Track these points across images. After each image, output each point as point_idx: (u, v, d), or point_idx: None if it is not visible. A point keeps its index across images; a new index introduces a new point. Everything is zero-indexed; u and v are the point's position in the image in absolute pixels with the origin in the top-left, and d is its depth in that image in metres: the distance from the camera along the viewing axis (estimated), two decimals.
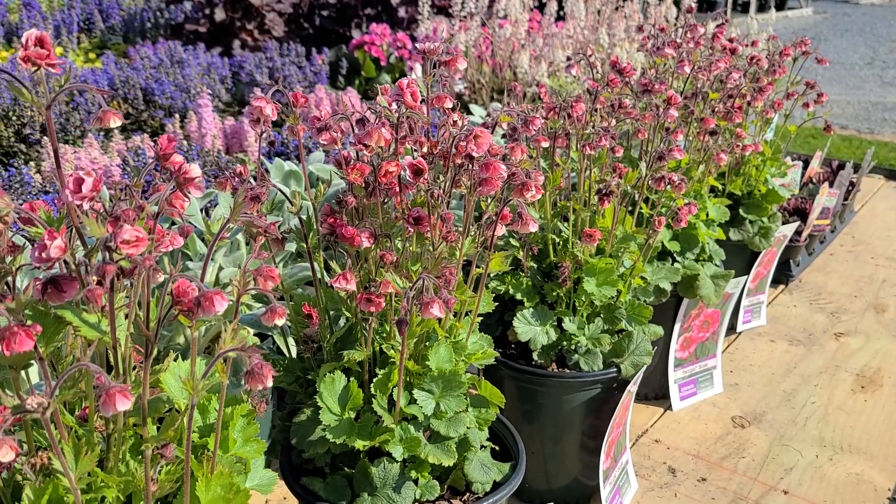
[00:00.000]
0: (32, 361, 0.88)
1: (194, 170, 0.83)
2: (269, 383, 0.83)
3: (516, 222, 1.26)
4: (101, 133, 3.05)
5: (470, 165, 1.19)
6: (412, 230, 1.19)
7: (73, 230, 0.86)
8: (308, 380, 1.37)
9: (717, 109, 2.04)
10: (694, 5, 2.26)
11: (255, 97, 1.21)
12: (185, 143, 2.87)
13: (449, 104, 1.27)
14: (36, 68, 0.79)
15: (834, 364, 2.58)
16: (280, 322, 0.88)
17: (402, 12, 5.57)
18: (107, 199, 1.47)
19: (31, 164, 2.52)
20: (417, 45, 1.32)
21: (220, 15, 5.36)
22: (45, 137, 2.79)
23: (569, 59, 2.08)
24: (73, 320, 0.81)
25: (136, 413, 0.90)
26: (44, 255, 0.76)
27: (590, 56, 2.00)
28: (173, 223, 1.84)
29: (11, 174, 2.17)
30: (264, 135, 1.33)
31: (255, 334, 1.86)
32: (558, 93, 2.01)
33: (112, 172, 2.49)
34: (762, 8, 12.67)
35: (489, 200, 1.39)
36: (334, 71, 4.64)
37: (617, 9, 4.21)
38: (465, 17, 4.02)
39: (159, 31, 5.83)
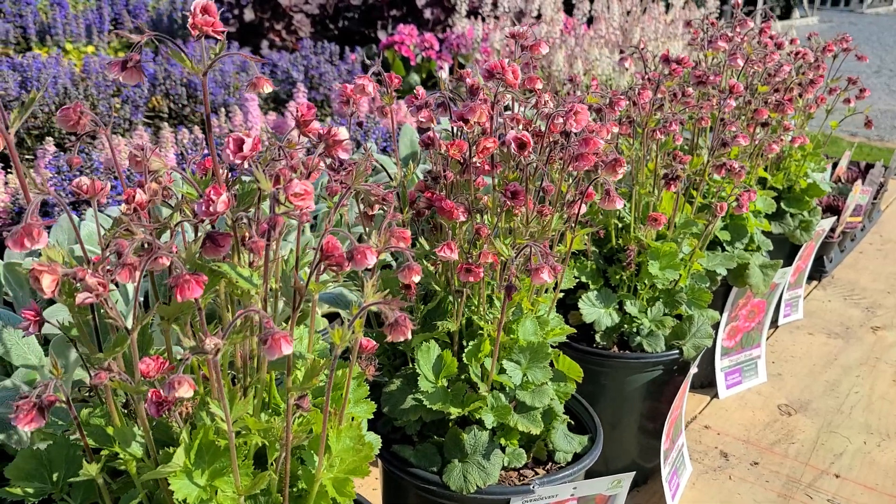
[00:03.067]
0: (178, 317, 0.93)
1: (342, 133, 0.88)
2: (409, 335, 0.87)
3: (603, 199, 1.31)
4: (150, 128, 3.10)
5: (564, 142, 1.24)
6: (509, 204, 1.23)
7: None
8: (396, 351, 1.42)
9: (769, 101, 2.09)
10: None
11: (358, 76, 1.26)
12: None
13: (539, 85, 1.32)
14: (202, 35, 0.84)
15: (874, 356, 2.62)
16: (416, 279, 0.93)
17: (427, 14, 5.63)
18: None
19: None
20: (509, 31, 1.36)
21: (248, 15, 5.43)
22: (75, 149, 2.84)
23: (622, 51, 2.13)
24: (230, 273, 0.86)
25: (277, 366, 0.95)
26: (210, 208, 0.81)
27: (642, 49, 2.06)
28: None
29: (83, 158, 2.22)
30: (353, 115, 1.38)
31: (324, 314, 1.91)
32: (608, 86, 2.06)
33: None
34: (767, 17, 12.71)
35: (570, 181, 1.44)
36: (365, 70, 4.70)
37: (645, 10, 4.28)
38: (497, 17, 4.08)
39: (187, 31, 5.90)
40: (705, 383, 2.38)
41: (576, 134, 1.23)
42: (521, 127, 1.26)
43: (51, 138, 2.39)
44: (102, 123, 0.90)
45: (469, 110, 1.19)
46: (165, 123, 2.91)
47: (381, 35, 5.53)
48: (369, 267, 0.84)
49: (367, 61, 5.00)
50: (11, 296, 1.56)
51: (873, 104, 7.17)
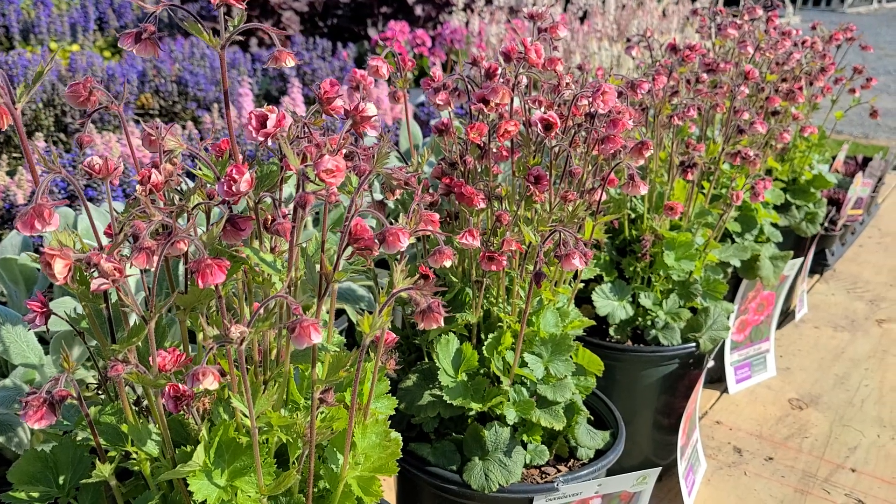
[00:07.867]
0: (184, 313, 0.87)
1: (370, 108, 0.83)
2: (442, 322, 0.82)
3: (627, 185, 1.27)
4: (138, 122, 3.03)
5: (589, 124, 1.19)
6: (532, 189, 1.18)
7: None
8: (411, 345, 1.36)
9: (780, 89, 2.05)
10: None
11: (371, 57, 1.21)
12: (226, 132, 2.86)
13: (560, 67, 1.27)
14: (223, 4, 0.79)
15: (881, 349, 2.59)
16: (448, 263, 0.88)
17: (418, 10, 5.57)
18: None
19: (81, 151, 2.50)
20: (528, 11, 1.32)
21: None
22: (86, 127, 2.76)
23: (629, 40, 2.08)
24: (252, 257, 0.81)
25: (300, 358, 0.90)
26: (234, 188, 0.76)
27: (649, 37, 2.02)
28: None
29: (75, 155, 2.15)
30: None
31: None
32: (609, 73, 2.01)
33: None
34: (773, 6, 12.78)
35: (589, 168, 1.39)
36: (359, 66, 4.64)
37: (640, 4, 4.25)
38: (491, 12, 4.03)
39: (173, 30, 5.81)
40: (714, 378, 2.34)
41: (601, 116, 1.18)
42: (544, 108, 1.21)
43: (40, 134, 2.32)
44: (114, 98, 0.85)
45: (491, 91, 1.14)
46: (158, 119, 2.84)
47: (372, 32, 5.47)
48: (402, 250, 0.79)
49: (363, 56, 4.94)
50: (6, 294, 1.49)
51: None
